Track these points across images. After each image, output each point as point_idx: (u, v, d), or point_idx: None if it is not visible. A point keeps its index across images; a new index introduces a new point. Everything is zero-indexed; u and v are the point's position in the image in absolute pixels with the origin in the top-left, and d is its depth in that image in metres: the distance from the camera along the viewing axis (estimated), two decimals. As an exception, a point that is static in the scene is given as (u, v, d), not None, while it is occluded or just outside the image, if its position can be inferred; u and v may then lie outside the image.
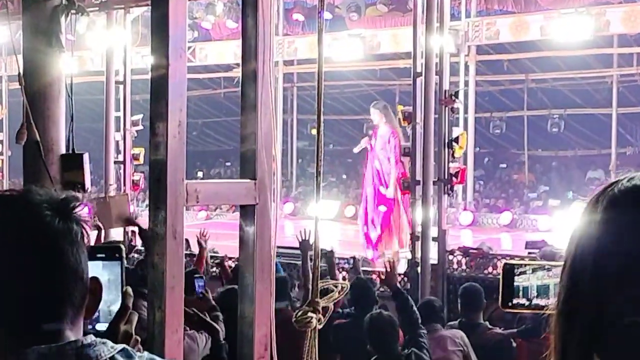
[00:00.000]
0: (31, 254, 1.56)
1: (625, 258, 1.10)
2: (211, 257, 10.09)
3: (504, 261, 2.06)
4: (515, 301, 1.99)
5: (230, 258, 9.23)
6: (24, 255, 1.56)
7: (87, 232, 1.64)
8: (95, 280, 1.66)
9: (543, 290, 1.95)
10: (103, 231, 8.42)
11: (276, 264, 8.04)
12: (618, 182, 1.16)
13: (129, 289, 1.90)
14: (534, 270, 1.97)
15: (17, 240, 1.56)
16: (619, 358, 1.10)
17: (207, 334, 6.52)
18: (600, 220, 1.14)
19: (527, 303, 1.98)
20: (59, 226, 1.57)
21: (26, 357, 1.53)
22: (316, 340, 3.52)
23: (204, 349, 6.66)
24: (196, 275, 7.59)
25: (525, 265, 2.01)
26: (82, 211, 1.64)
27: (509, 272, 1.99)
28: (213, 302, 7.10)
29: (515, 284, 1.98)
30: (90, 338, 1.61)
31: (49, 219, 1.56)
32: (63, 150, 5.01)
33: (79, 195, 1.71)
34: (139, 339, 1.88)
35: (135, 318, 1.86)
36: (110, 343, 1.64)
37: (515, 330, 7.57)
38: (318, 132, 3.58)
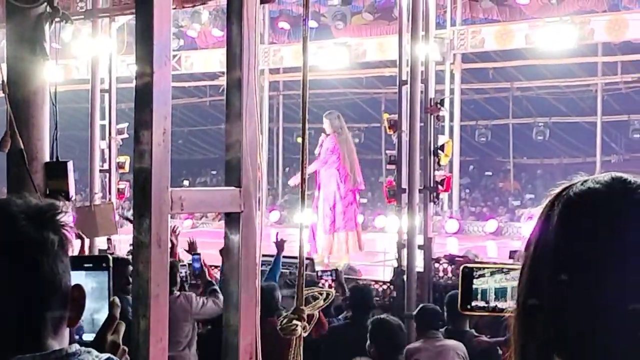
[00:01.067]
0: (5, 264, 1.55)
1: (582, 259, 1.11)
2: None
3: (462, 265, 2.07)
4: (474, 304, 2.00)
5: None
6: None
7: (68, 240, 1.63)
8: (79, 288, 1.65)
9: (501, 293, 1.97)
10: (87, 241, 8.40)
11: (274, 271, 8.01)
12: (572, 186, 1.19)
13: (116, 299, 1.89)
14: (492, 274, 1.99)
15: None
16: (579, 358, 1.12)
17: (206, 299, 6.75)
18: (557, 223, 1.15)
19: (485, 305, 1.99)
20: (34, 236, 1.56)
21: None
22: (301, 348, 3.51)
23: (199, 310, 6.79)
24: (193, 254, 7.76)
25: (484, 269, 2.02)
26: (63, 219, 1.63)
27: (468, 275, 2.00)
28: (208, 278, 7.30)
29: (474, 287, 1.99)
30: (75, 347, 1.61)
31: (24, 229, 1.56)
32: (47, 159, 5.00)
33: (60, 203, 1.70)
34: (126, 349, 1.87)
35: (123, 328, 1.86)
36: (95, 352, 1.64)
37: (502, 338, 7.57)
38: (303, 140, 3.59)
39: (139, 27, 3.48)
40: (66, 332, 1.64)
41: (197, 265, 7.64)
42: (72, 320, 1.65)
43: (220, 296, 6.93)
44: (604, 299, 1.09)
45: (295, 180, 14.58)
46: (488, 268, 2.03)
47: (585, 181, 1.18)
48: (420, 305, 8.25)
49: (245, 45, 3.78)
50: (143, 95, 3.41)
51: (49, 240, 1.57)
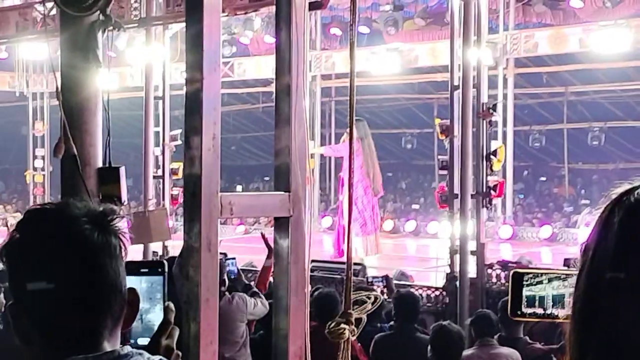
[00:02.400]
0: (72, 267, 1.58)
1: None
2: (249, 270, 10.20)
3: (512, 270, 2.03)
4: (525, 310, 1.97)
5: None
6: (65, 269, 1.58)
7: (124, 245, 1.67)
8: (133, 291, 1.68)
9: (558, 300, 1.93)
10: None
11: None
12: (633, 191, 1.15)
13: (171, 304, 1.92)
14: (550, 280, 1.95)
15: (57, 253, 1.58)
16: None
17: (255, 300, 6.87)
18: (618, 229, 1.13)
19: (536, 311, 1.96)
20: (98, 240, 1.60)
21: None
22: (349, 352, 3.51)
23: (252, 311, 6.91)
24: (228, 257, 7.84)
25: (537, 274, 1.99)
26: (120, 224, 1.66)
27: (518, 280, 1.97)
28: (246, 282, 7.61)
29: (530, 293, 1.96)
30: (127, 349, 1.64)
31: (88, 233, 1.59)
32: (100, 164, 5.07)
33: (116, 208, 1.74)
34: (180, 354, 1.89)
35: (177, 333, 1.88)
36: (147, 354, 1.67)
37: (556, 346, 7.46)
38: (350, 143, 3.59)
39: (189, 34, 3.53)
40: (119, 334, 1.67)
41: (232, 268, 7.72)
42: (126, 323, 1.68)
43: (263, 299, 7.05)
44: None
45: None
46: (540, 273, 2.00)
47: None
48: (478, 311, 8.14)
49: (294, 51, 3.80)
50: (193, 101, 3.46)
51: (112, 244, 1.62)
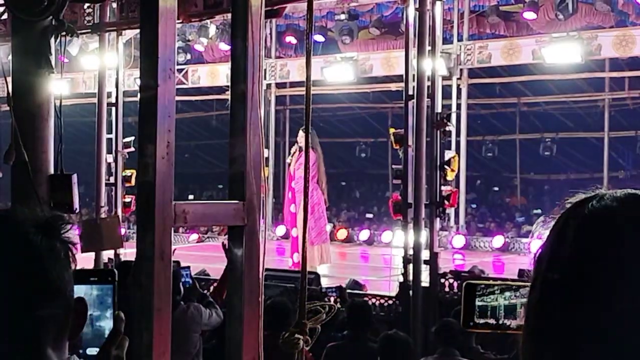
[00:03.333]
0: (12, 270, 1.54)
1: (598, 279, 1.08)
2: (202, 278, 10.14)
3: (465, 282, 2.04)
4: (477, 320, 1.97)
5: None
6: (5, 272, 1.54)
7: (72, 253, 1.63)
8: (81, 301, 1.64)
9: (510, 310, 1.94)
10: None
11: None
12: (587, 202, 1.14)
13: (121, 314, 1.88)
14: (502, 291, 1.96)
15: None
16: None
17: (210, 310, 6.82)
18: (572, 242, 1.12)
19: (489, 322, 1.96)
20: (41, 244, 1.56)
21: None
22: (303, 363, 3.50)
23: (207, 321, 6.87)
24: (182, 267, 7.78)
25: (490, 285, 1.99)
26: (69, 232, 1.63)
27: (470, 291, 1.97)
28: (201, 291, 7.52)
29: (483, 303, 1.96)
30: (74, 358, 1.60)
31: (32, 237, 1.55)
32: (52, 171, 5.00)
33: (66, 215, 1.71)
34: None
35: (126, 343, 1.85)
36: None
37: (507, 356, 7.50)
38: (307, 151, 3.58)
39: (144, 40, 3.50)
40: (66, 344, 1.63)
41: (187, 279, 7.67)
42: (73, 333, 1.64)
43: (218, 309, 7.01)
44: (619, 323, 1.07)
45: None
46: (491, 284, 2.00)
47: (601, 198, 1.14)
48: (442, 320, 8.03)
49: (249, 59, 3.78)
50: (147, 109, 3.43)
51: (57, 248, 1.58)
